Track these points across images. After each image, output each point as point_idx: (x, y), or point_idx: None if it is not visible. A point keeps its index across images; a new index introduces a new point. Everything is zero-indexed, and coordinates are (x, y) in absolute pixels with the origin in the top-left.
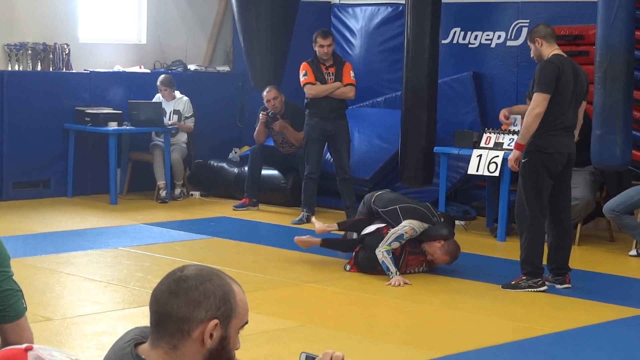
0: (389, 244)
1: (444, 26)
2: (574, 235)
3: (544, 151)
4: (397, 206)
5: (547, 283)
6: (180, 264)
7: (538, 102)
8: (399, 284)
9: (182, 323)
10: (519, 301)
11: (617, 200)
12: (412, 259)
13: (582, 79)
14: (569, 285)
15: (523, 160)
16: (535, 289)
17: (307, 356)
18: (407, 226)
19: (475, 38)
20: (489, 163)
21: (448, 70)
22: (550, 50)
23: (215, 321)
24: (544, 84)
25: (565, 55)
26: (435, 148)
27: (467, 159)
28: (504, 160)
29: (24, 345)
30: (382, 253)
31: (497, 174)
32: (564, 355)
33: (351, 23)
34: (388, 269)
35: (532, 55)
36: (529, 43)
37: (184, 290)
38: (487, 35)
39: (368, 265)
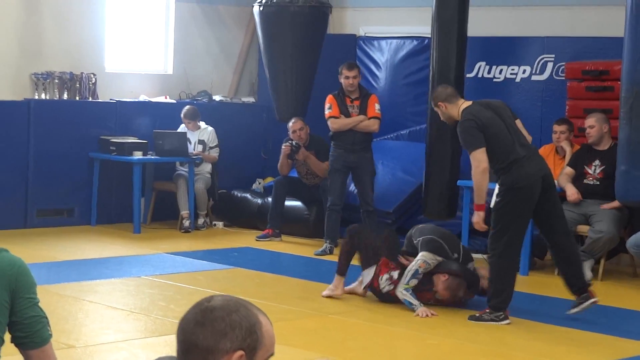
0: (407, 283)
1: (469, 60)
2: (578, 250)
3: (514, 187)
4: (420, 238)
5: (573, 310)
6: (203, 294)
7: (479, 159)
8: (426, 315)
9: (208, 353)
10: (542, 336)
11: None
12: (420, 295)
13: (499, 107)
14: (596, 299)
15: (497, 199)
16: (497, 322)
17: None
18: (420, 259)
19: (500, 72)
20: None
21: None
22: (456, 109)
23: (241, 352)
24: (472, 142)
25: (470, 102)
26: (458, 181)
27: (490, 193)
28: None
29: None
30: (401, 293)
31: None
32: None
33: (376, 56)
34: (411, 304)
35: (442, 119)
36: (434, 108)
37: (210, 320)
38: (512, 69)
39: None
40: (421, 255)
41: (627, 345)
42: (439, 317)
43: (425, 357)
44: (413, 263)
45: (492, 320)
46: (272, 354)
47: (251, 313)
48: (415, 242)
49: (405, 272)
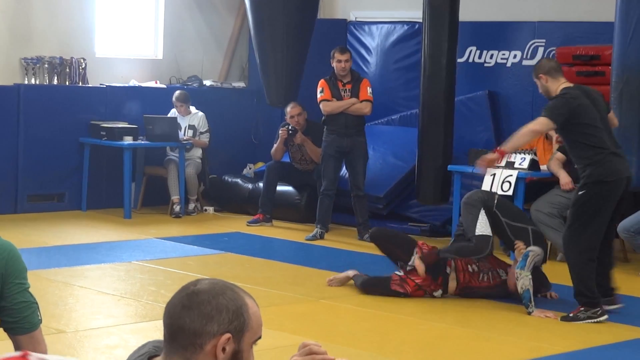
0: (530, 270)
1: (460, 45)
2: (613, 255)
3: (603, 180)
4: (529, 227)
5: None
6: (194, 279)
7: (541, 123)
8: (543, 316)
9: (195, 337)
10: (532, 321)
11: (631, 220)
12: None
13: (597, 99)
14: (621, 305)
15: (580, 193)
16: (595, 320)
17: None
18: (537, 254)
19: (491, 57)
20: (503, 182)
21: (463, 89)
22: (557, 84)
23: (228, 335)
24: (553, 113)
25: (572, 85)
26: (449, 166)
27: (481, 178)
28: (518, 179)
29: (20, 353)
30: (529, 280)
31: (510, 193)
32: None
33: (367, 40)
34: (530, 301)
35: (540, 92)
36: (534, 79)
37: (196, 304)
38: (503, 54)
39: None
40: (539, 249)
41: (618, 329)
42: (430, 303)
43: (415, 341)
44: (531, 255)
45: (588, 318)
46: (259, 337)
47: (238, 296)
48: (508, 222)
49: (529, 258)
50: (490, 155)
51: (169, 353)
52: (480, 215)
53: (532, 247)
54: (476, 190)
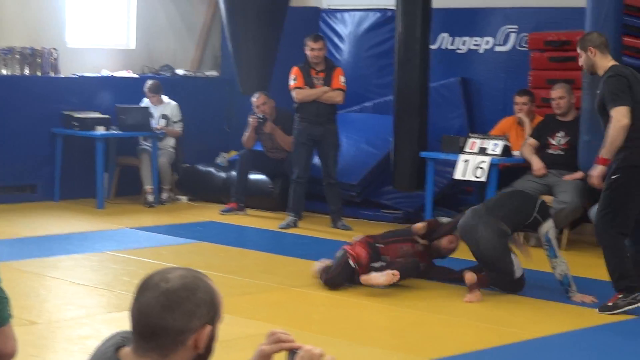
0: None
1: (432, 31)
2: None
3: (637, 165)
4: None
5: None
6: (165, 268)
7: (622, 114)
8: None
9: (178, 335)
10: (504, 306)
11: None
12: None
13: None
14: None
15: (613, 177)
16: (635, 305)
17: (291, 352)
18: (552, 227)
19: (464, 44)
20: (476, 168)
21: (436, 75)
22: (606, 62)
23: (210, 327)
24: (620, 97)
25: (622, 64)
26: (422, 153)
27: (454, 164)
28: (491, 165)
29: None
30: (565, 265)
31: (483, 179)
32: None
33: (339, 28)
34: (569, 285)
35: (580, 64)
36: (578, 51)
37: (177, 303)
38: (475, 41)
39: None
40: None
41: (589, 314)
42: (404, 290)
43: (388, 327)
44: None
45: (629, 304)
46: (222, 317)
47: (208, 285)
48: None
49: (554, 241)
50: (598, 170)
51: (143, 349)
52: (514, 257)
53: (545, 227)
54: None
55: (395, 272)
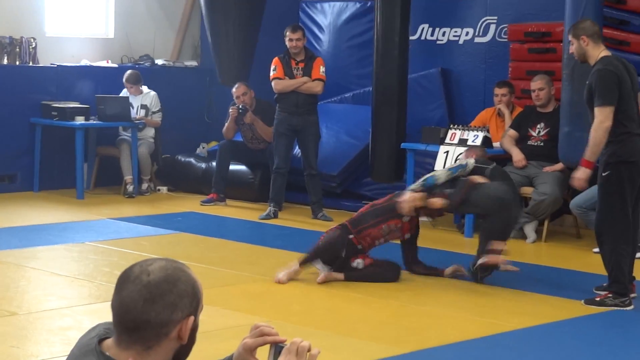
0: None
1: (412, 22)
2: (637, 245)
3: (628, 160)
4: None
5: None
6: (145, 259)
7: (605, 115)
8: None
9: (161, 327)
10: (485, 297)
11: (583, 197)
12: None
13: (632, 74)
14: (635, 295)
15: (604, 174)
16: (622, 308)
17: (277, 345)
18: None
19: (444, 34)
20: (456, 159)
21: (416, 66)
22: (597, 51)
23: (192, 318)
24: (607, 95)
25: (611, 55)
26: (402, 144)
27: (434, 155)
28: None
29: None
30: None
31: None
32: (530, 351)
33: (319, 19)
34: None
35: (571, 52)
36: (570, 38)
37: (159, 296)
38: (455, 31)
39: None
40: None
41: (570, 305)
42: (383, 283)
43: (368, 319)
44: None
45: (616, 305)
46: (202, 307)
47: (188, 276)
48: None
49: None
50: (581, 173)
51: (126, 342)
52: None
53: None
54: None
55: None
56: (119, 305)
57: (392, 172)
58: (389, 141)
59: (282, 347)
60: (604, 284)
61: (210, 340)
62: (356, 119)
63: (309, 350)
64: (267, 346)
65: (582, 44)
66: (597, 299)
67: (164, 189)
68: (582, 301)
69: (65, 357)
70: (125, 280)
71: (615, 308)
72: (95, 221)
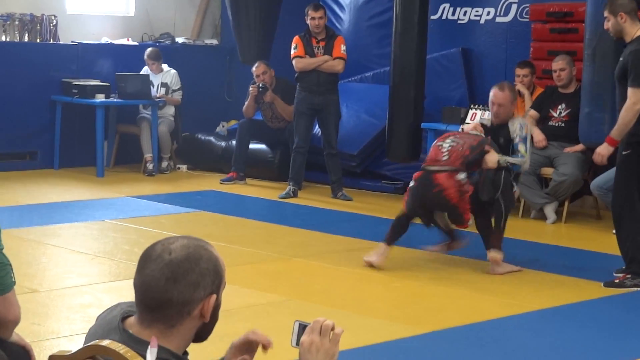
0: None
1: (433, 2)
2: None
3: None
4: None
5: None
6: (167, 237)
7: (639, 97)
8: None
9: (184, 306)
10: (505, 278)
11: (604, 178)
12: None
13: None
14: None
15: (624, 153)
16: None
17: (300, 324)
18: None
19: (465, 14)
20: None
21: (437, 46)
22: (634, 29)
23: (214, 296)
24: None
25: None
26: (422, 124)
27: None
28: None
29: None
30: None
31: None
32: (549, 332)
33: None
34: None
35: (606, 28)
36: (607, 14)
37: (181, 275)
38: (477, 11)
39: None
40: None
41: (590, 286)
42: (404, 261)
43: (389, 298)
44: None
45: (635, 285)
46: (225, 284)
47: (211, 254)
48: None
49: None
50: (604, 148)
51: (149, 320)
52: None
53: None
54: None
55: None
56: (141, 284)
57: (408, 152)
58: (406, 121)
59: (306, 326)
60: (623, 267)
61: (230, 318)
62: (376, 98)
63: (332, 329)
64: (290, 326)
65: (619, 21)
66: (616, 280)
67: (183, 167)
68: (602, 283)
69: (85, 334)
70: (147, 259)
71: (636, 289)
72: (115, 199)
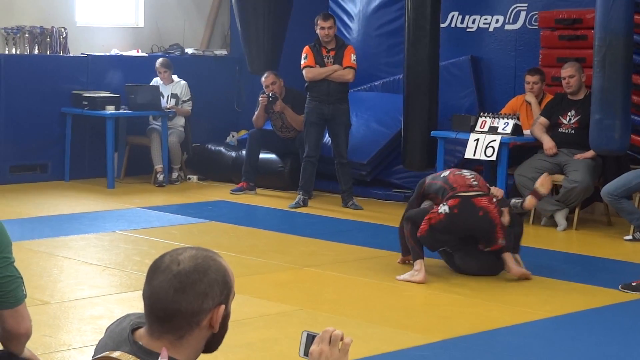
0: None
1: (442, 10)
2: None
3: None
4: None
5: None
6: (176, 248)
7: None
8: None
9: (192, 317)
10: (516, 285)
11: (615, 184)
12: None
13: None
14: None
15: None
16: None
17: (308, 334)
18: None
19: (474, 22)
20: (486, 147)
21: (446, 54)
22: None
23: (223, 306)
24: None
25: None
26: (432, 132)
27: (464, 143)
28: (501, 144)
29: None
30: None
31: (494, 158)
32: (561, 339)
33: (349, 7)
34: None
35: None
36: None
37: (189, 285)
38: (485, 19)
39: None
40: None
41: (601, 293)
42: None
43: (400, 307)
44: None
45: None
46: (235, 294)
47: (219, 265)
48: None
49: None
50: None
51: (159, 332)
52: None
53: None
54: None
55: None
56: (149, 295)
57: (423, 160)
58: (420, 129)
59: (315, 336)
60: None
61: (241, 328)
62: (386, 107)
63: (341, 339)
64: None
65: None
66: (634, 283)
67: (194, 177)
68: (620, 286)
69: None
70: (155, 270)
71: None
72: (125, 210)
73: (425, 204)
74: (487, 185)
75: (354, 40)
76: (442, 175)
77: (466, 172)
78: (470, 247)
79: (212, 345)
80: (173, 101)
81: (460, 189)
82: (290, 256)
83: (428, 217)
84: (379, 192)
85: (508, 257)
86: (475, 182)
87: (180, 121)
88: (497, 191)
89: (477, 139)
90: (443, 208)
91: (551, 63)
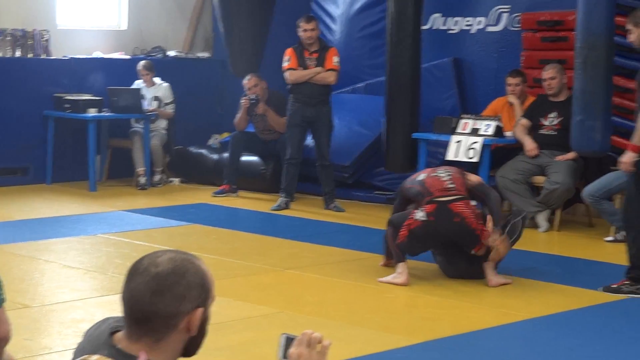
0: None
1: (424, 12)
2: None
3: None
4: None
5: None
6: (155, 251)
7: None
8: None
9: (169, 319)
10: (497, 287)
11: (596, 186)
12: None
13: None
14: None
15: (637, 160)
16: (636, 295)
17: (287, 337)
18: None
19: (456, 24)
20: (468, 149)
21: (428, 56)
22: None
23: (201, 309)
24: None
25: None
26: (414, 134)
27: (446, 145)
28: (483, 146)
29: None
30: None
31: (476, 160)
32: (542, 340)
33: (331, 9)
34: None
35: (631, 40)
36: (630, 26)
37: (167, 288)
38: (468, 21)
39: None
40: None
41: (582, 294)
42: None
43: (382, 309)
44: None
45: (632, 292)
46: (214, 298)
47: (198, 267)
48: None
49: None
50: (628, 156)
51: (136, 334)
52: None
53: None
54: None
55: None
56: (128, 298)
57: (405, 162)
58: (402, 131)
59: (293, 339)
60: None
61: (222, 331)
62: (368, 109)
63: (320, 341)
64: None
65: None
66: (614, 285)
67: (176, 180)
68: (601, 288)
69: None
70: (134, 273)
71: (631, 296)
72: (107, 213)
73: (412, 206)
74: (465, 183)
75: (336, 43)
76: (418, 179)
77: (442, 174)
78: (450, 253)
79: (191, 348)
80: (155, 104)
81: (437, 194)
82: (272, 258)
83: (407, 223)
84: (361, 194)
85: (488, 267)
86: (452, 185)
87: (162, 124)
88: (489, 224)
89: (459, 141)
90: (420, 214)
91: (533, 65)
